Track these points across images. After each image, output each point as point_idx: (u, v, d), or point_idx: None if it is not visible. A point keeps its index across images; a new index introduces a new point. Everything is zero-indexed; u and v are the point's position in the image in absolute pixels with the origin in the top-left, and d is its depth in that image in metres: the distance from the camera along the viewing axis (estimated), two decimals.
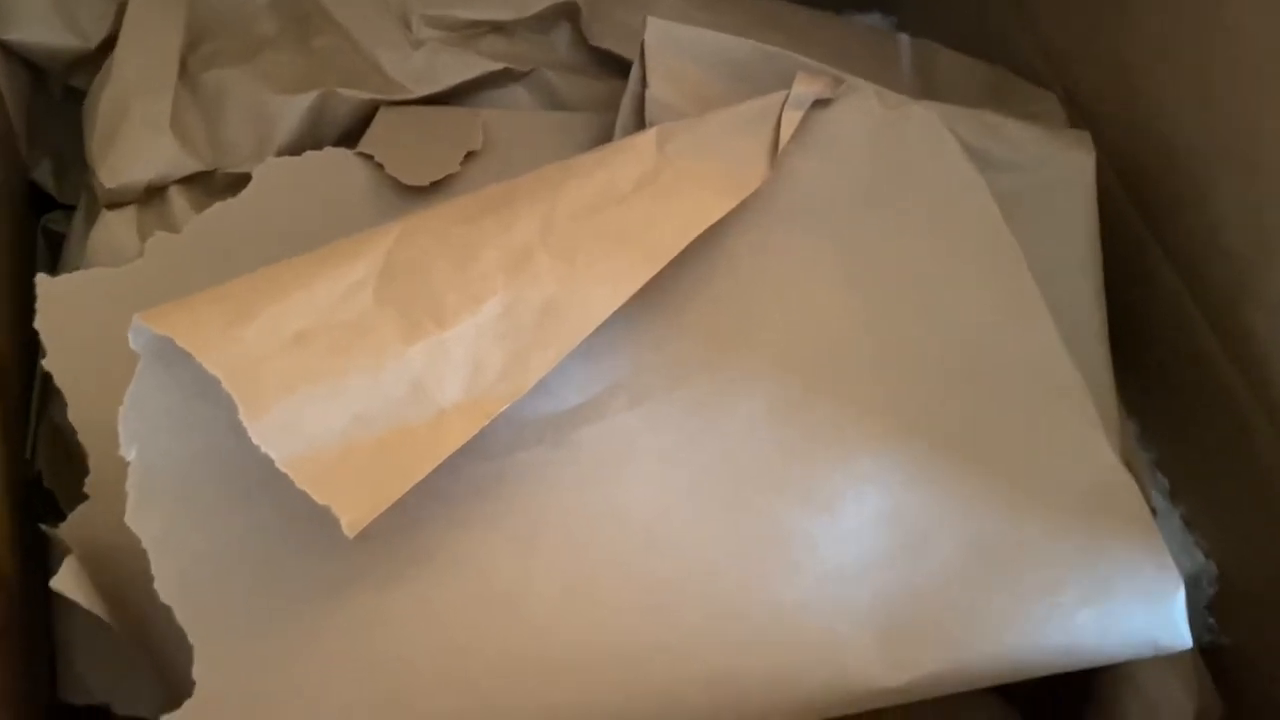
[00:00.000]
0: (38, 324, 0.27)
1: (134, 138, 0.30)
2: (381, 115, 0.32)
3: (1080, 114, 0.37)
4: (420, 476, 0.22)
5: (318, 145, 0.31)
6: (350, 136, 0.32)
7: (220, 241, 0.29)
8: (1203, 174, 0.32)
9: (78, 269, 0.30)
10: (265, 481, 0.21)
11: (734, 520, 0.25)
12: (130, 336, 0.22)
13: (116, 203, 0.30)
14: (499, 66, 0.34)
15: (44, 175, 0.35)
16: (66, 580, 0.24)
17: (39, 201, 0.35)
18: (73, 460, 0.28)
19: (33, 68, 0.34)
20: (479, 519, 0.24)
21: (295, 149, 0.32)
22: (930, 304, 0.28)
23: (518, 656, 0.23)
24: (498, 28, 0.35)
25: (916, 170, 0.29)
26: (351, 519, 0.21)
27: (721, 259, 0.28)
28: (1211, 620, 0.33)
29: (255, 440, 0.21)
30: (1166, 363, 0.35)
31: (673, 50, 0.31)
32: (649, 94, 0.30)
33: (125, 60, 0.32)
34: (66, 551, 0.25)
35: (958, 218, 0.29)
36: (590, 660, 0.24)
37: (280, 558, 0.23)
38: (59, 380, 0.27)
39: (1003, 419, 0.27)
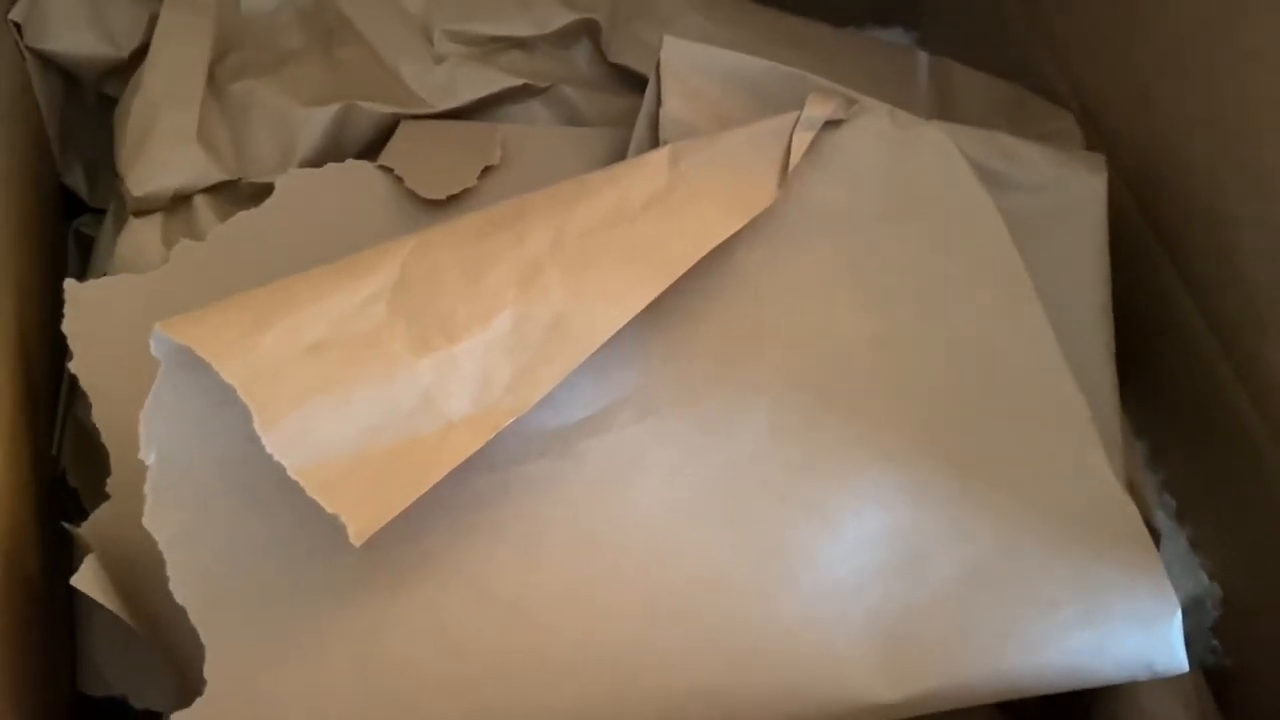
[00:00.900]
0: (65, 327, 0.28)
1: (162, 147, 0.31)
2: (402, 129, 0.33)
3: (1097, 133, 0.37)
4: (427, 487, 0.22)
5: (340, 157, 0.32)
6: (372, 148, 0.33)
7: (243, 249, 0.30)
8: (1218, 196, 0.32)
9: (105, 273, 0.31)
10: (278, 488, 0.22)
11: (736, 534, 0.26)
12: (151, 344, 0.23)
13: (143, 210, 0.31)
14: (519, 82, 0.34)
15: (76, 180, 0.36)
16: (86, 578, 0.25)
17: (71, 205, 0.36)
18: (96, 460, 0.28)
19: (67, 75, 0.35)
20: (483, 528, 0.25)
21: (318, 160, 0.32)
22: (936, 324, 0.28)
23: (518, 662, 0.24)
24: (519, 43, 0.35)
25: (926, 191, 0.30)
26: (358, 527, 0.21)
27: (731, 276, 0.28)
28: (1215, 642, 0.33)
29: (268, 448, 0.22)
30: (1177, 384, 0.35)
31: (689, 68, 0.31)
32: (664, 111, 0.31)
33: (155, 70, 0.32)
34: (87, 550, 0.26)
35: (966, 238, 0.29)
36: (589, 668, 0.24)
37: (291, 562, 0.24)
38: (84, 382, 0.28)
39: (1004, 439, 0.28)
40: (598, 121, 0.34)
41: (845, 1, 0.46)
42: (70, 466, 0.31)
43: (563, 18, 0.35)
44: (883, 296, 0.28)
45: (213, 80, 0.33)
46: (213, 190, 0.32)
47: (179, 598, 0.23)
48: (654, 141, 0.31)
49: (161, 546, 0.23)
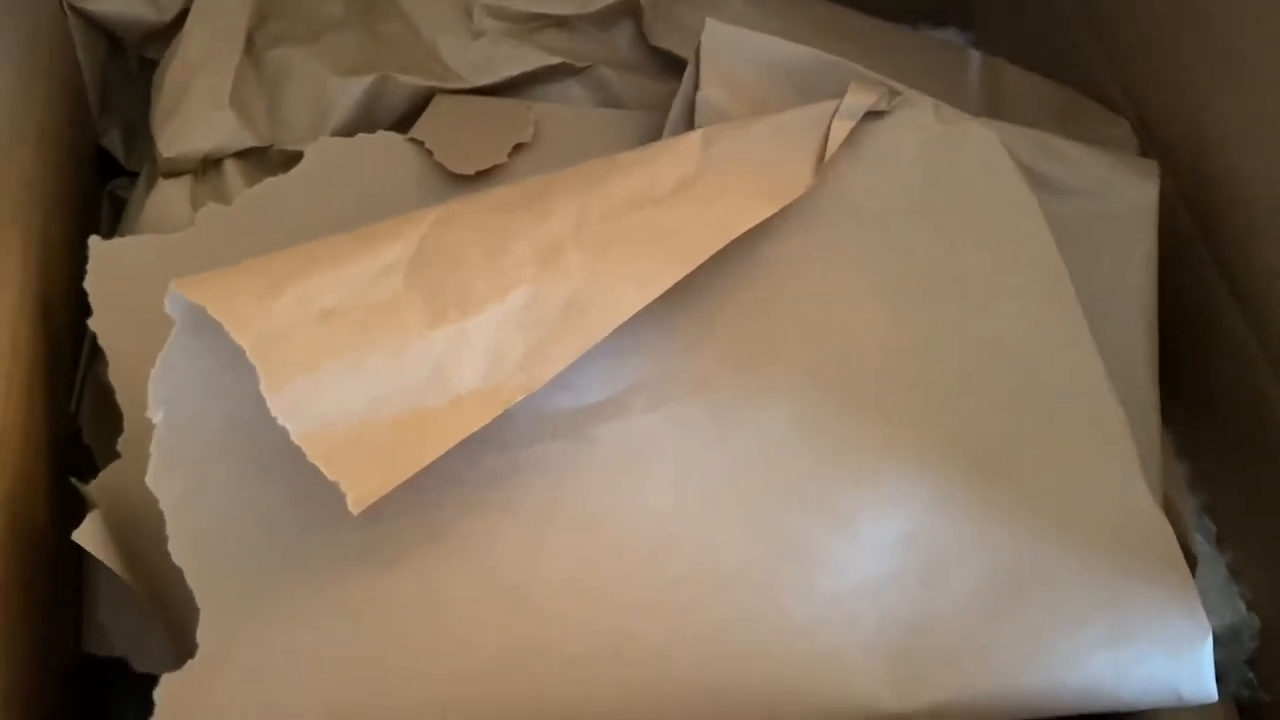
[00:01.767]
0: (87, 284, 0.28)
1: (194, 110, 0.31)
2: (435, 103, 0.33)
3: (1152, 141, 0.36)
4: (431, 459, 0.22)
5: (373, 128, 0.32)
6: (405, 121, 0.33)
7: (269, 215, 0.30)
8: (1272, 211, 0.31)
9: (134, 231, 0.31)
10: (282, 454, 0.22)
11: (749, 530, 0.25)
12: (166, 303, 0.22)
13: (173, 172, 0.31)
14: (556, 61, 0.34)
15: (113, 142, 0.36)
16: (88, 533, 0.25)
17: (107, 167, 0.36)
18: (112, 418, 0.28)
19: (110, 37, 0.36)
20: (491, 508, 0.24)
21: (350, 130, 0.32)
22: (971, 326, 0.27)
23: (518, 648, 0.23)
24: (559, 22, 0.35)
25: (968, 188, 0.29)
26: (358, 495, 0.21)
27: (758, 265, 0.27)
28: (1251, 675, 0.32)
29: (273, 412, 0.21)
30: (1223, 405, 0.33)
31: (729, 53, 0.30)
32: (700, 96, 0.30)
33: (194, 34, 0.33)
34: (93, 507, 0.26)
35: (1007, 239, 0.28)
36: (590, 657, 0.23)
37: (291, 530, 0.23)
38: (102, 340, 0.28)
39: (1037, 449, 0.27)
40: (634, 104, 0.34)
41: (899, 2, 0.45)
42: (87, 424, 0.31)
43: None
44: (915, 295, 0.28)
45: (251, 46, 0.33)
46: (243, 155, 0.32)
47: (177, 559, 0.23)
48: (689, 126, 0.31)
49: (163, 507, 0.23)
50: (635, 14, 0.35)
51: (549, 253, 0.25)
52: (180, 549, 0.23)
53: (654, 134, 0.32)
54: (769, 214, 0.27)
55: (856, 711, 0.25)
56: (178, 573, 0.23)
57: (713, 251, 0.26)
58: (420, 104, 0.33)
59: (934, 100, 0.30)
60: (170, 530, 0.23)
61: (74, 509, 0.29)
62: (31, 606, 0.27)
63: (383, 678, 0.23)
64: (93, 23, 0.34)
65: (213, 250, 0.29)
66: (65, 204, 0.32)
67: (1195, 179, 0.34)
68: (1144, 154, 0.36)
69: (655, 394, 0.26)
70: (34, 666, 0.26)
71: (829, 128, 0.28)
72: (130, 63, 0.37)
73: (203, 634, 0.22)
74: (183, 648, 0.25)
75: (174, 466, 0.23)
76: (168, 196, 0.31)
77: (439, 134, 0.31)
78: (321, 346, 0.22)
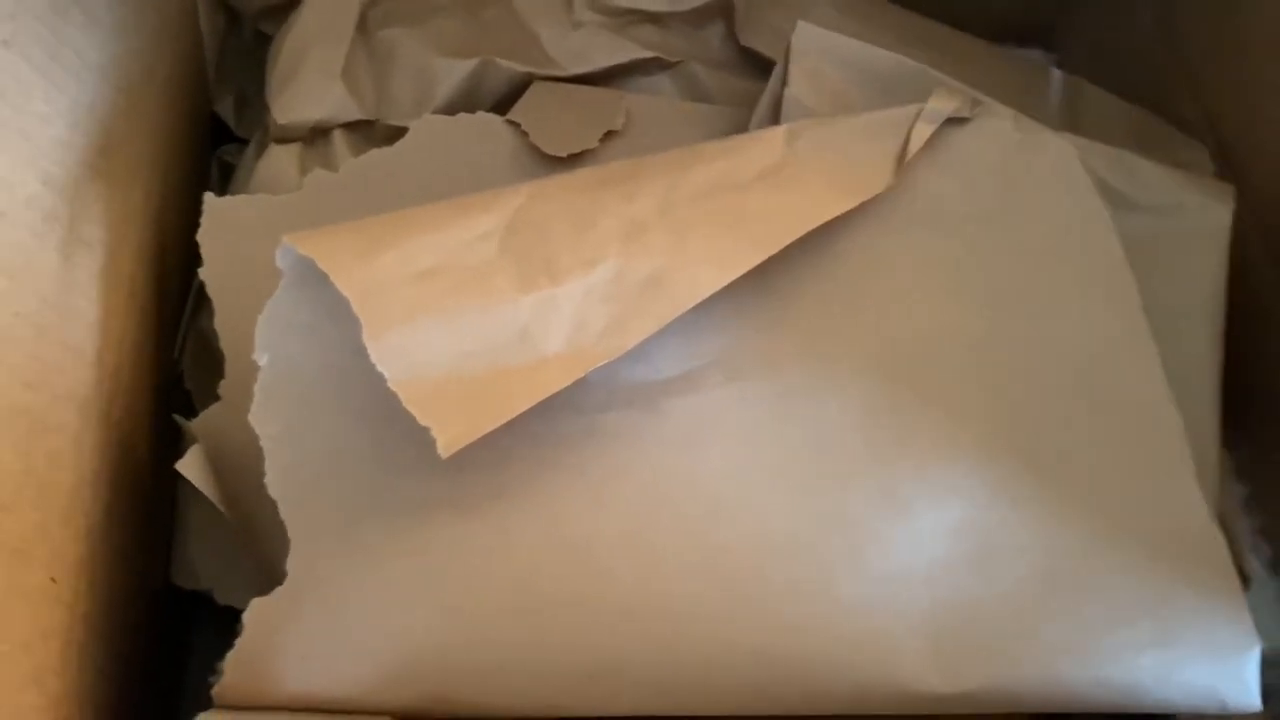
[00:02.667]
0: (199, 237, 0.30)
1: (308, 80, 0.33)
2: (534, 88, 0.34)
3: (1230, 167, 0.36)
4: (515, 413, 0.23)
5: (472, 108, 0.33)
6: (503, 104, 0.34)
7: (372, 184, 0.32)
8: None
9: (245, 192, 0.33)
10: (376, 401, 0.23)
11: (806, 505, 0.26)
12: (277, 255, 0.24)
13: (285, 138, 0.33)
14: (650, 54, 0.35)
15: (226, 109, 0.38)
16: (191, 465, 0.26)
17: (217, 134, 0.38)
18: (212, 365, 0.30)
19: (230, 11, 0.38)
20: (563, 466, 0.25)
21: (452, 109, 0.34)
22: (1037, 328, 0.28)
23: (577, 598, 0.25)
24: (654, 18, 0.36)
25: (1043, 198, 0.30)
26: (447, 441, 0.22)
27: (835, 256, 0.28)
28: None
29: (372, 358, 0.23)
30: None
31: (818, 54, 0.31)
32: (788, 93, 0.31)
33: (310, 10, 0.34)
34: (194, 441, 0.27)
35: (1078, 249, 0.29)
36: (645, 611, 0.25)
37: (379, 472, 0.25)
38: (210, 290, 0.29)
39: (1095, 450, 0.27)
40: (722, 100, 0.35)
41: (983, 21, 0.45)
42: (188, 370, 0.32)
43: None
44: (984, 296, 0.28)
45: (363, 24, 0.35)
46: (350, 127, 0.33)
47: (273, 493, 0.24)
48: (775, 122, 0.32)
49: (263, 443, 0.24)
50: (727, 14, 0.36)
51: (634, 230, 0.26)
52: (276, 483, 0.24)
53: (740, 129, 0.33)
54: (848, 208, 0.28)
55: (900, 690, 0.25)
56: (270, 507, 0.24)
57: (791, 239, 0.27)
58: (519, 88, 0.34)
59: (1014, 111, 0.30)
60: (268, 465, 0.24)
61: (174, 447, 0.31)
62: (130, 535, 0.28)
63: (449, 614, 0.24)
64: None
65: (318, 212, 0.31)
66: (182, 161, 0.34)
67: (1271, 206, 0.34)
68: (1221, 180, 0.36)
69: (727, 372, 0.27)
70: (126, 592, 0.28)
71: (911, 130, 0.29)
72: (246, 36, 0.39)
73: (292, 563, 0.24)
74: (267, 580, 0.27)
75: (275, 407, 0.25)
76: (278, 161, 0.32)
77: (535, 117, 0.32)
78: (419, 302, 0.24)
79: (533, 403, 0.23)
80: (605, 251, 0.26)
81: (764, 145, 0.28)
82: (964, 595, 0.26)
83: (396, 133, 0.33)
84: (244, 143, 0.37)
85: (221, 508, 0.27)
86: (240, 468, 0.27)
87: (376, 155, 0.31)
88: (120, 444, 0.28)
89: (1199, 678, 0.26)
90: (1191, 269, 0.32)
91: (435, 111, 0.33)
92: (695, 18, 0.36)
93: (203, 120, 0.37)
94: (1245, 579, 0.31)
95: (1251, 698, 0.26)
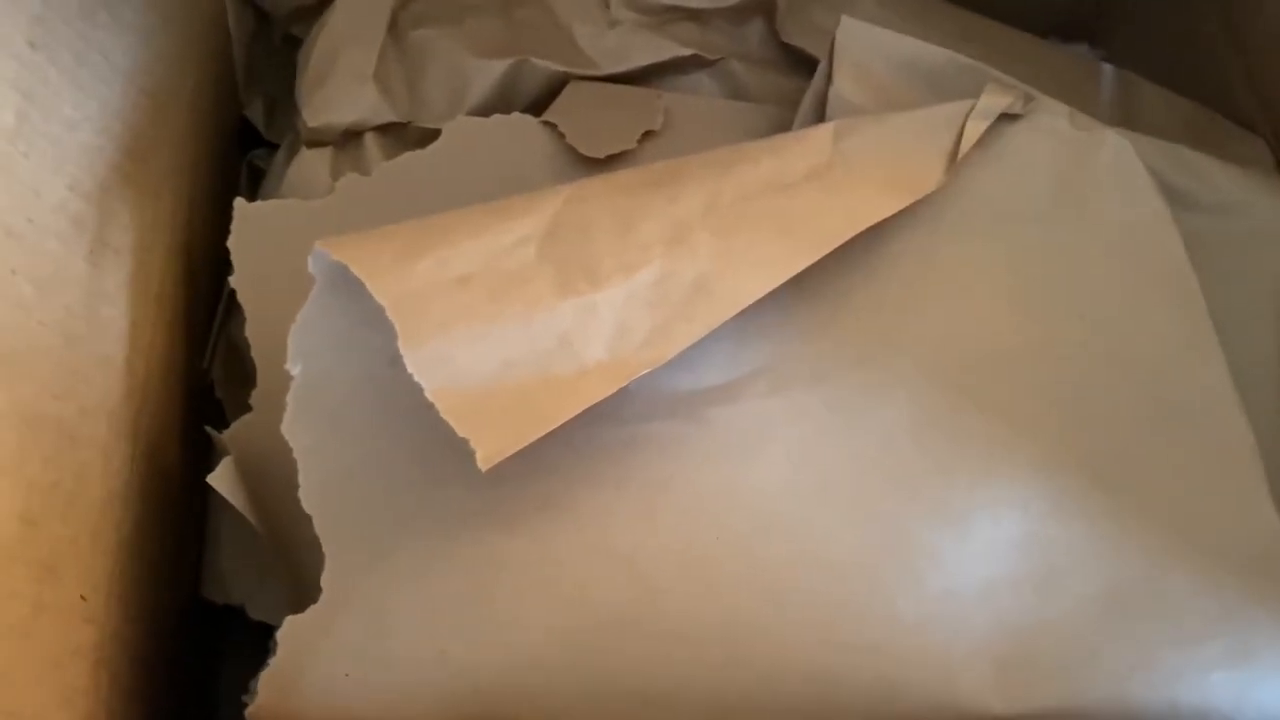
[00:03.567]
0: (230, 243, 0.29)
1: (339, 83, 0.32)
2: (570, 88, 0.33)
3: None
4: (556, 424, 0.22)
5: (508, 109, 0.33)
6: (538, 104, 0.33)
7: (406, 188, 0.31)
8: None
9: (275, 197, 0.32)
10: (413, 411, 0.22)
11: (859, 521, 0.25)
12: (310, 261, 0.23)
13: (316, 142, 0.32)
14: (688, 52, 0.34)
15: (255, 114, 0.38)
16: (222, 478, 0.26)
17: (247, 138, 0.38)
18: (243, 375, 0.30)
19: (259, 14, 0.37)
20: (607, 479, 0.24)
21: (486, 110, 0.33)
22: (1098, 333, 0.27)
23: (626, 616, 0.24)
24: (693, 15, 0.35)
25: (1101, 196, 0.28)
26: (487, 453, 0.21)
27: (884, 260, 0.27)
28: None
29: (410, 368, 0.22)
30: None
31: (863, 50, 0.30)
32: (833, 90, 0.30)
33: (341, 12, 0.34)
34: (225, 453, 0.27)
35: (1139, 250, 0.28)
36: (696, 630, 0.24)
37: (417, 485, 0.24)
38: (241, 297, 0.29)
39: (1161, 462, 0.26)
40: (763, 99, 0.34)
41: (1027, 16, 0.44)
42: (219, 380, 0.32)
43: None
44: (1042, 300, 0.27)
45: (395, 25, 0.34)
46: (383, 129, 0.33)
47: (307, 506, 0.23)
48: (819, 118, 0.31)
49: (296, 455, 0.24)
50: (768, 11, 0.36)
51: (678, 233, 0.25)
52: (310, 496, 0.23)
53: (782, 128, 0.32)
54: (899, 208, 0.27)
55: (958, 712, 0.24)
56: (304, 520, 0.24)
57: (840, 241, 0.26)
58: (555, 88, 0.33)
59: (1069, 107, 0.29)
60: (302, 478, 0.23)
61: (204, 458, 0.30)
62: (161, 549, 0.28)
63: (494, 632, 0.23)
64: (246, 1, 0.36)
65: (351, 217, 0.30)
66: (211, 168, 0.34)
67: None
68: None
69: (773, 380, 0.26)
70: (156, 607, 0.27)
71: (963, 127, 0.28)
72: (275, 39, 0.38)
73: (327, 579, 0.23)
74: (301, 595, 0.26)
75: (308, 417, 0.24)
76: (310, 164, 0.32)
77: (572, 118, 0.32)
78: (457, 310, 0.23)
79: (574, 413, 0.23)
80: (648, 255, 0.25)
81: (811, 144, 0.27)
82: (1025, 614, 0.25)
83: (430, 135, 0.32)
84: (274, 148, 0.36)
85: (254, 521, 0.26)
86: (273, 480, 0.26)
87: (410, 158, 0.31)
88: (150, 456, 0.27)
89: (1273, 699, 0.24)
90: (1255, 269, 0.31)
91: (469, 113, 0.33)
92: (735, 15, 0.35)
93: (232, 125, 0.37)
94: None
95: None
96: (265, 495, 0.27)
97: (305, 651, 0.23)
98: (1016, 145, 0.28)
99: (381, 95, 0.32)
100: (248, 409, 0.28)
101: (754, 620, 0.24)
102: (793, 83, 0.34)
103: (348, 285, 0.23)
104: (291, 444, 0.24)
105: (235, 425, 0.27)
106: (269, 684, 0.23)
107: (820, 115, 0.31)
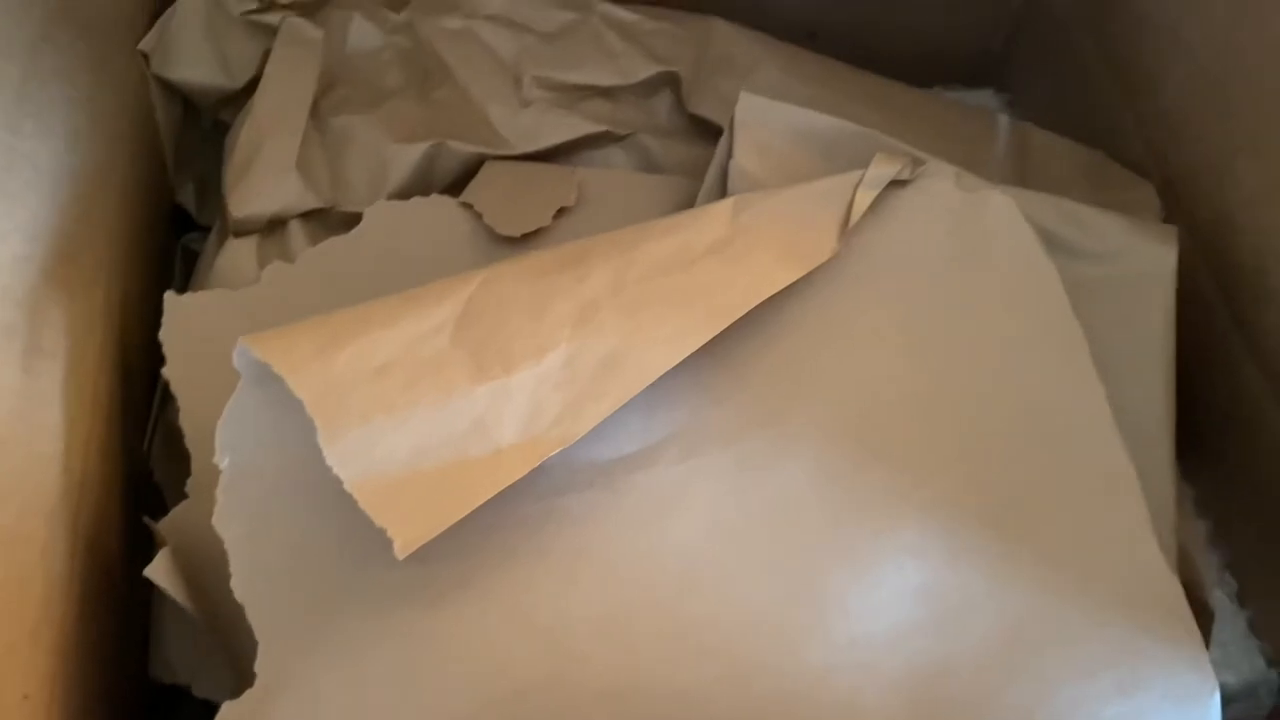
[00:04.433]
0: (161, 335, 0.30)
1: (263, 174, 0.33)
2: (486, 168, 0.35)
3: (1177, 204, 0.37)
4: (472, 507, 0.24)
5: (427, 191, 0.34)
6: (458, 184, 0.35)
7: (330, 272, 0.32)
8: None
9: (205, 287, 0.33)
10: (336, 499, 0.24)
11: (771, 576, 0.26)
12: (234, 357, 0.24)
13: (242, 231, 0.33)
14: (600, 129, 0.36)
15: (187, 198, 0.39)
16: (159, 570, 0.26)
17: (181, 222, 0.39)
18: (181, 459, 0.30)
19: (186, 102, 0.38)
20: (525, 554, 0.26)
21: (406, 193, 0.34)
22: (987, 383, 0.29)
23: (552, 683, 0.25)
24: (603, 92, 0.37)
25: (987, 253, 0.30)
26: (404, 541, 0.23)
27: (785, 325, 0.29)
28: None
29: (328, 461, 0.23)
30: (1242, 463, 0.34)
31: (761, 123, 0.32)
32: (733, 164, 0.32)
33: (264, 102, 0.35)
34: (163, 544, 0.28)
35: (1024, 302, 0.30)
36: (619, 697, 0.25)
37: (343, 570, 0.25)
38: (174, 388, 0.30)
39: (1050, 503, 0.28)
40: (673, 170, 0.36)
41: (936, 64, 0.46)
42: (157, 464, 0.33)
43: (646, 69, 0.37)
44: (933, 352, 0.29)
45: (316, 112, 0.35)
46: (307, 215, 0.34)
47: (239, 595, 0.24)
48: (722, 192, 0.32)
49: (227, 546, 0.25)
50: (674, 84, 0.37)
51: (586, 313, 0.26)
52: (241, 585, 0.24)
53: (690, 197, 0.34)
54: (795, 278, 0.28)
55: None
56: (239, 608, 0.25)
57: (741, 314, 0.27)
58: (472, 168, 0.35)
59: (956, 169, 0.31)
60: (233, 568, 0.25)
61: (144, 543, 0.31)
62: (103, 637, 0.29)
63: (423, 707, 0.24)
64: (172, 88, 0.37)
65: (277, 304, 0.31)
66: (143, 257, 0.35)
67: (1217, 240, 0.35)
68: (1167, 216, 0.37)
69: (685, 446, 0.27)
70: (103, 694, 0.28)
71: (853, 197, 0.29)
72: (204, 123, 0.39)
73: (260, 664, 0.24)
74: (242, 677, 0.27)
75: (237, 509, 0.25)
76: (237, 254, 0.33)
77: (488, 198, 0.33)
78: (374, 401, 0.24)
79: (489, 495, 0.24)
80: (557, 337, 0.26)
81: (711, 220, 0.29)
82: (931, 657, 0.26)
83: (353, 219, 0.33)
84: (208, 230, 0.37)
85: (192, 611, 0.27)
86: (210, 568, 0.27)
87: (332, 244, 0.32)
88: (89, 549, 0.28)
89: None
90: (1140, 312, 0.32)
91: (390, 195, 0.34)
92: (644, 89, 0.37)
93: (164, 213, 0.38)
94: (1210, 614, 0.32)
95: None
96: (203, 582, 0.28)
97: None
98: (905, 210, 0.30)
99: (304, 184, 0.33)
100: (185, 495, 0.29)
101: (673, 679, 0.25)
102: (700, 151, 0.36)
103: (272, 378, 0.24)
104: (222, 535, 0.25)
105: (171, 514, 0.28)
106: None
107: (723, 186, 0.32)
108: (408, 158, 0.34)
